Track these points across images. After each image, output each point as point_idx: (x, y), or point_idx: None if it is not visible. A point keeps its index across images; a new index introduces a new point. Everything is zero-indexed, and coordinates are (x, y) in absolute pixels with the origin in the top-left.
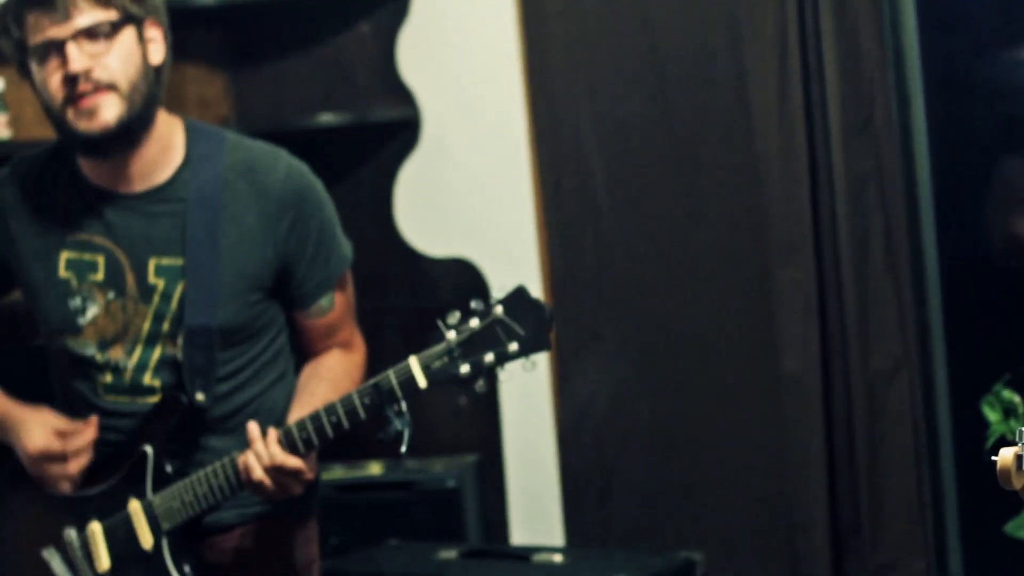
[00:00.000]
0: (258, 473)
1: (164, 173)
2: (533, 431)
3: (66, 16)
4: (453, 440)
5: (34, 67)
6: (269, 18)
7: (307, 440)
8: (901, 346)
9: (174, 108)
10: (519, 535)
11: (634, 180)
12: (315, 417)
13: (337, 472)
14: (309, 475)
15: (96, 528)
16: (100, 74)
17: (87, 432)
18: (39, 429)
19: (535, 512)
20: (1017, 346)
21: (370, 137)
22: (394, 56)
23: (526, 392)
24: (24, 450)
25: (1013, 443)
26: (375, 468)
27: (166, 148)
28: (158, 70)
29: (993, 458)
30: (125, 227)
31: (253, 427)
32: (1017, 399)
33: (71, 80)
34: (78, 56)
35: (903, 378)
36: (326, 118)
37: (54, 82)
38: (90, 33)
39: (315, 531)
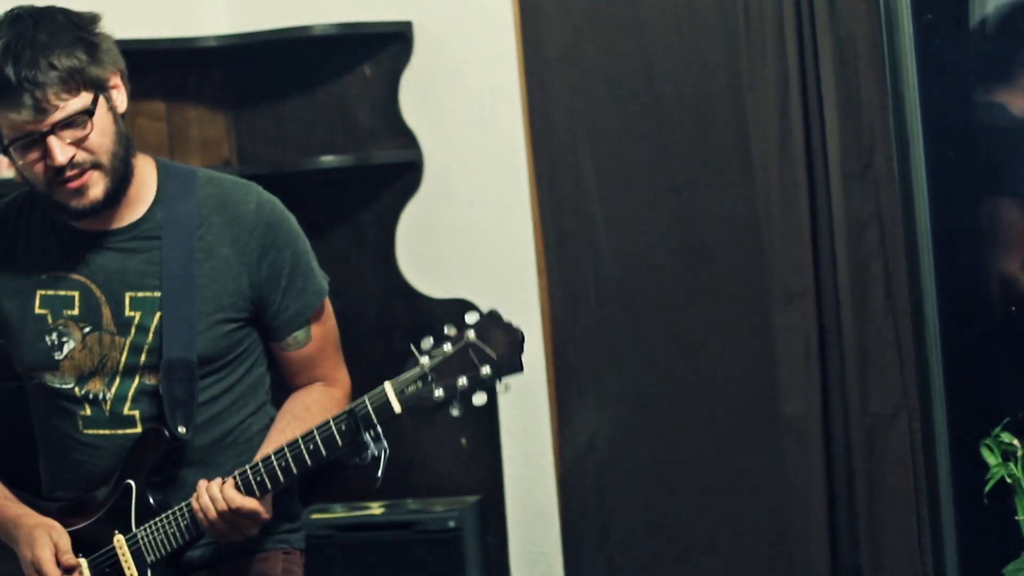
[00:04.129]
0: (212, 515)
1: (138, 210)
2: (534, 473)
3: (41, 112)
4: (454, 481)
5: (15, 155)
6: (271, 60)
7: (261, 483)
8: (901, 390)
9: (177, 149)
10: None
11: (635, 224)
12: (267, 460)
13: (338, 512)
14: (265, 516)
15: (82, 564)
16: (84, 157)
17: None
18: (46, 539)
19: (536, 553)
20: (1016, 390)
21: (372, 179)
22: (397, 98)
23: (527, 433)
24: (27, 557)
25: (1012, 487)
26: (376, 508)
27: (140, 186)
28: (123, 115)
29: None
30: (100, 263)
31: (202, 482)
32: (1016, 442)
33: (56, 169)
34: (61, 147)
35: (903, 422)
36: (328, 160)
37: (37, 170)
38: (68, 123)
39: (300, 566)
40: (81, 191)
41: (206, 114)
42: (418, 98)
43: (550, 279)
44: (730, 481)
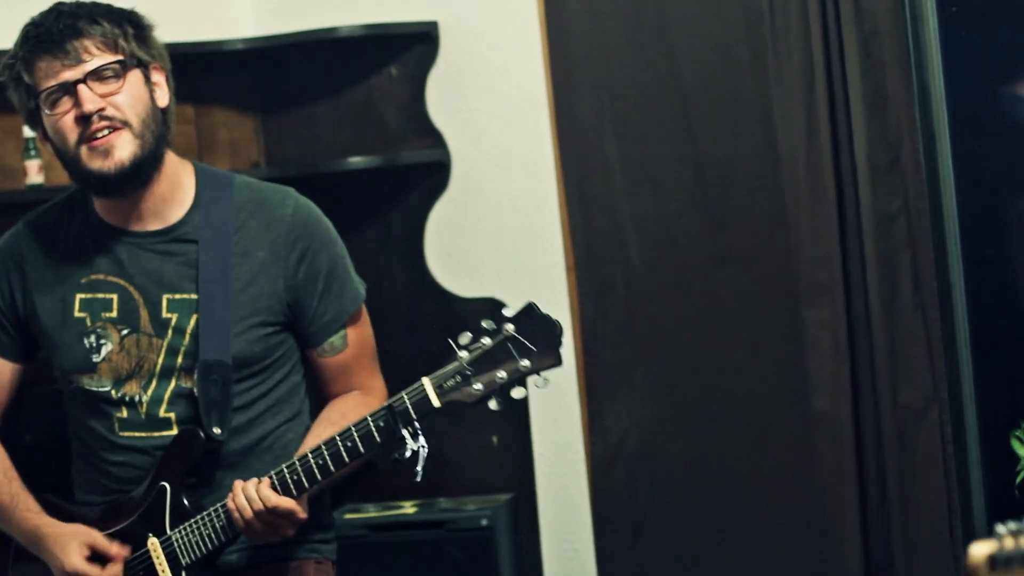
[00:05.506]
0: (248, 514)
1: (175, 213)
2: (566, 470)
3: (77, 59)
4: (486, 479)
5: (46, 112)
6: (299, 61)
7: (297, 481)
8: (931, 383)
9: (205, 152)
10: (552, 575)
11: (663, 222)
12: (303, 458)
13: (370, 512)
14: (302, 515)
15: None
16: (112, 112)
17: (118, 565)
18: (76, 545)
19: (568, 552)
20: None
21: (400, 179)
22: (424, 99)
23: (558, 431)
24: (59, 568)
25: None
26: (408, 507)
27: (176, 187)
28: (164, 112)
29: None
30: (138, 265)
31: (238, 482)
32: None
33: (84, 119)
34: (91, 96)
35: (933, 415)
36: (356, 161)
37: (67, 123)
38: (100, 74)
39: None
40: (107, 151)
41: (234, 116)
42: (445, 98)
43: (579, 277)
44: (761, 476)
